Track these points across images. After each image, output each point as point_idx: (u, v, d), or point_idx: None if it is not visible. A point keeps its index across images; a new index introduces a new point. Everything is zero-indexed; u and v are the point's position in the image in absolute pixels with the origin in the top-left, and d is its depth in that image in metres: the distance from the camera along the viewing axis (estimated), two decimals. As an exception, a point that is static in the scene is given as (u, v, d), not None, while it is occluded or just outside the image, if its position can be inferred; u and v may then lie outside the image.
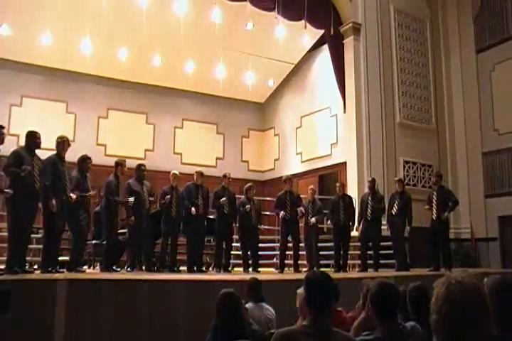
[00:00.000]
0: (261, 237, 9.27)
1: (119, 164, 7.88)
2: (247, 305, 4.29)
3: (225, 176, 8.87)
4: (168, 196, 8.14)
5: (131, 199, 7.69)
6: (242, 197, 9.14)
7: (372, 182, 9.47)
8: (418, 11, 13.53)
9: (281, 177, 14.25)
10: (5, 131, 5.97)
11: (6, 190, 5.72)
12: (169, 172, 8.63)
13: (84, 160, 7.22)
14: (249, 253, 8.81)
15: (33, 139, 6.23)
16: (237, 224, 8.83)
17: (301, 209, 8.95)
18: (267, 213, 10.68)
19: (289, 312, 3.91)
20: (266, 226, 9.39)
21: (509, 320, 1.93)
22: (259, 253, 9.15)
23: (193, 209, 8.14)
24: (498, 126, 12.43)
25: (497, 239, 12.02)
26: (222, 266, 8.47)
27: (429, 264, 9.13)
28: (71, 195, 6.62)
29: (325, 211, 9.39)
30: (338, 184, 9.63)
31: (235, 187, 12.43)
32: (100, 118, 13.60)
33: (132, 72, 13.43)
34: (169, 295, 5.17)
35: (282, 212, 8.77)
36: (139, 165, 8.22)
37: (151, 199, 8.14)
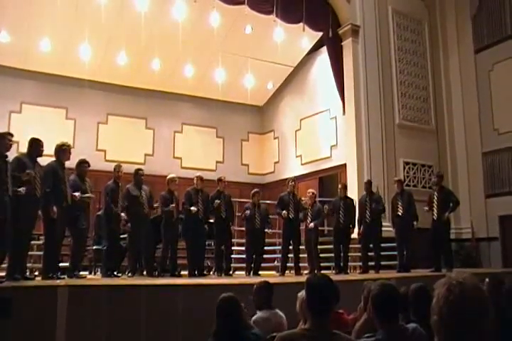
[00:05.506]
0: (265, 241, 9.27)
1: (114, 169, 7.92)
2: (258, 315, 4.03)
3: (220, 180, 8.85)
4: (173, 205, 8.14)
5: (78, 194, 6.95)
6: (249, 202, 9.14)
7: (368, 183, 9.48)
8: (416, 11, 13.55)
9: (281, 180, 14.38)
10: (12, 138, 5.97)
11: (19, 189, 5.72)
12: (170, 177, 8.62)
13: (82, 163, 7.24)
14: (253, 256, 8.83)
15: (36, 147, 6.25)
16: (238, 228, 8.83)
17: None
18: (270, 216, 10.67)
19: (291, 315, 3.90)
20: (269, 230, 9.36)
21: None
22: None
23: (193, 207, 8.12)
24: (497, 125, 12.43)
25: (498, 238, 12.00)
26: (223, 270, 8.46)
27: (431, 265, 9.12)
28: (74, 194, 6.63)
29: (324, 209, 9.36)
30: (340, 186, 9.61)
31: (235, 191, 12.46)
32: (100, 124, 13.62)
33: (131, 77, 13.45)
34: (169, 300, 5.15)
35: (284, 211, 8.77)
36: (137, 170, 8.23)
37: (156, 205, 8.14)
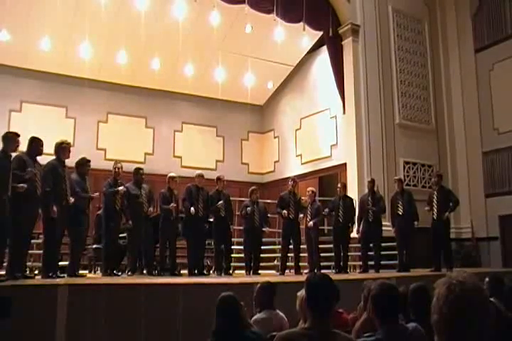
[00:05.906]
0: (262, 240, 9.27)
1: (112, 165, 7.94)
2: (258, 315, 3.96)
3: (219, 179, 8.80)
4: (174, 204, 8.13)
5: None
6: (247, 200, 9.13)
7: (372, 182, 9.48)
8: (416, 11, 13.54)
9: (281, 179, 14.40)
10: (19, 139, 5.97)
11: (20, 185, 5.72)
12: (170, 176, 8.61)
13: (84, 162, 7.24)
14: (251, 255, 8.83)
15: (36, 146, 6.25)
16: (237, 227, 8.82)
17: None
18: (268, 215, 10.68)
19: (291, 314, 3.90)
20: (267, 229, 9.36)
21: None
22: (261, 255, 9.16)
23: (192, 209, 8.12)
24: (497, 125, 12.43)
25: (498, 238, 12.01)
26: (222, 269, 8.45)
27: (430, 264, 9.12)
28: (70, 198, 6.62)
29: (324, 212, 9.37)
30: (339, 185, 9.62)
31: (235, 190, 12.46)
32: (100, 123, 13.61)
33: (131, 76, 13.44)
34: (169, 299, 5.15)
35: (285, 210, 8.77)
36: (137, 169, 8.23)
37: (150, 209, 8.08)
